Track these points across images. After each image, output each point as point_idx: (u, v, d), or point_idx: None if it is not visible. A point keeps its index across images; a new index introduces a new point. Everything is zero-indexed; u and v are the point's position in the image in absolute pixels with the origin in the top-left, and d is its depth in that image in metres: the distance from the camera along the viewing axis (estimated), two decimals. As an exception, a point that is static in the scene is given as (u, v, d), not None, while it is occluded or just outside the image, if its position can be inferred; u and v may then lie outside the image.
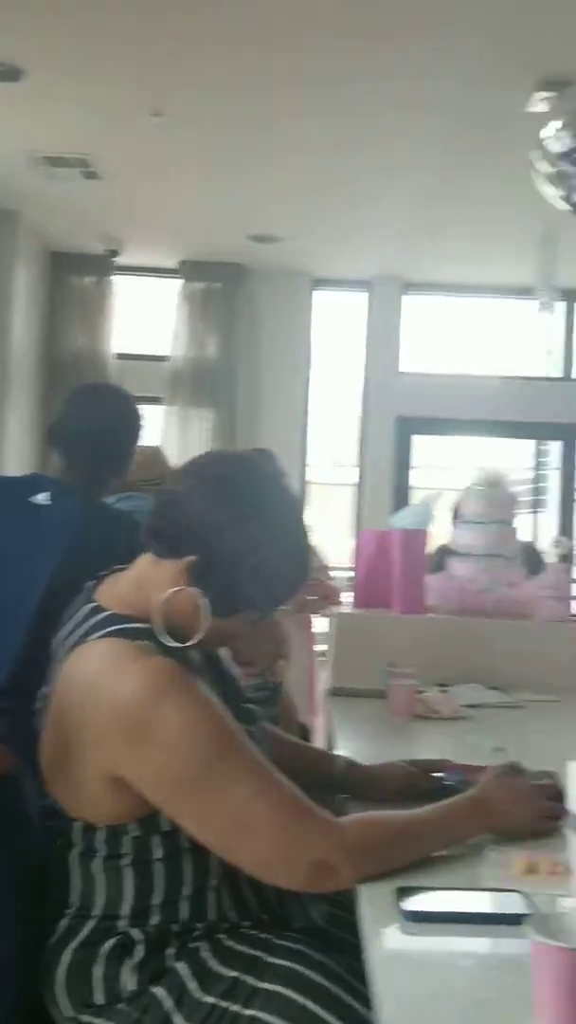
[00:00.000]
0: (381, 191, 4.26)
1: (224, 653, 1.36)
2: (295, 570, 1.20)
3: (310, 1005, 1.06)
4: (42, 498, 1.64)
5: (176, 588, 1.13)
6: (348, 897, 1.13)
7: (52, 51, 3.17)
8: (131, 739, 1.07)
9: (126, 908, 1.14)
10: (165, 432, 5.50)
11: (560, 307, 5.51)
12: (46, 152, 4.07)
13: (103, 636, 1.12)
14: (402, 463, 5.87)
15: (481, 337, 6.21)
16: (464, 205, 4.39)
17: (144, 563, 1.19)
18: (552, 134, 2.83)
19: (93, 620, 1.15)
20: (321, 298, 5.85)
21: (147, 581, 1.17)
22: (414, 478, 5.94)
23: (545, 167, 2.87)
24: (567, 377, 5.93)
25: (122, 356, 5.61)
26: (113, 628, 1.13)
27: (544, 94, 3.26)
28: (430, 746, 1.82)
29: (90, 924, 1.14)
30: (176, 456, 5.30)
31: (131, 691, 1.07)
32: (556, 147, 2.84)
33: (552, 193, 2.91)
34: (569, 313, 5.82)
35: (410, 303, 5.89)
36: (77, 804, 1.14)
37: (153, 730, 1.06)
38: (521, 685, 2.27)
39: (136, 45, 3.09)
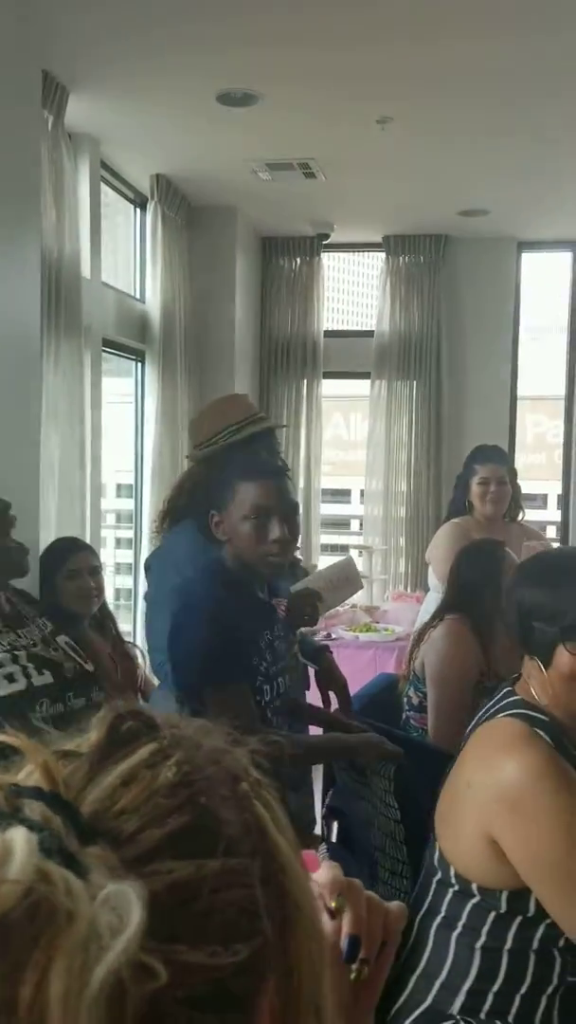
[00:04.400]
0: None
1: None
2: None
3: None
4: None
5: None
6: None
7: (284, 77, 3.51)
8: (509, 808, 1.26)
9: (467, 984, 1.32)
10: (373, 405, 5.79)
11: None
12: (270, 159, 4.18)
13: (506, 715, 1.36)
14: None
15: None
16: None
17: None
18: None
19: (504, 702, 1.39)
20: (528, 261, 5.89)
21: (531, 675, 1.40)
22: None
23: None
24: None
25: (330, 333, 5.92)
26: (516, 711, 1.36)
27: None
28: None
29: (432, 993, 1.34)
30: (385, 431, 5.47)
31: (517, 769, 1.26)
32: None
33: None
34: None
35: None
36: (457, 852, 1.35)
37: (530, 806, 1.25)
38: None
39: (364, 61, 3.37)
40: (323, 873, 0.69)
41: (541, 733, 1.31)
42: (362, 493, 6.00)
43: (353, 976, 0.67)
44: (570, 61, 3.30)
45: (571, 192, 4.80)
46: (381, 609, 4.88)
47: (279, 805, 0.48)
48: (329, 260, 6.03)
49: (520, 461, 5.99)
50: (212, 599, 1.78)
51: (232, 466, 1.96)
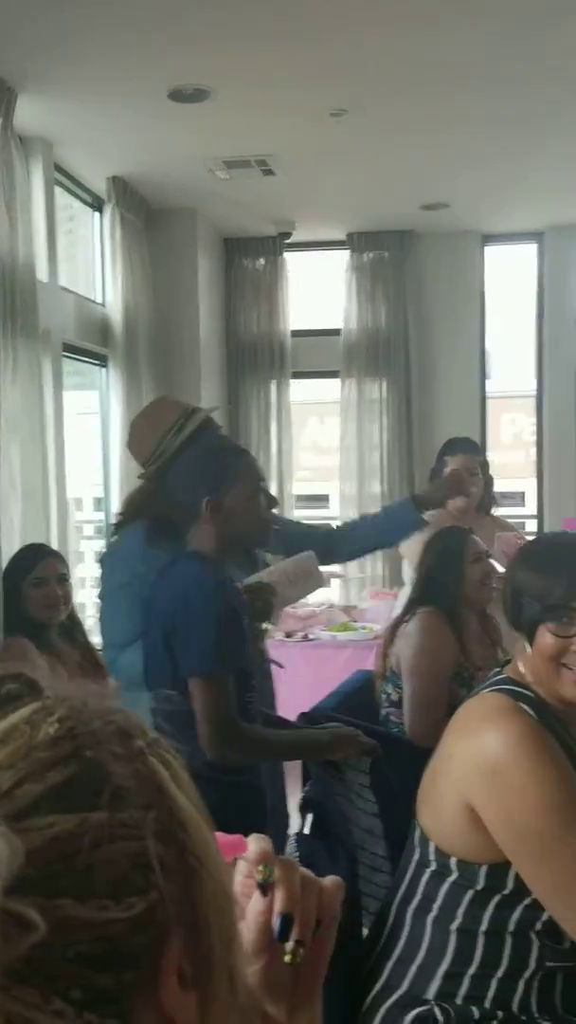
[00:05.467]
0: (555, 141, 4.28)
1: None
2: None
3: None
4: None
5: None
6: None
7: (236, 71, 3.48)
8: (489, 777, 1.27)
9: (443, 967, 1.32)
10: (344, 405, 5.78)
11: None
12: (227, 157, 4.18)
13: (490, 690, 1.40)
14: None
15: None
16: None
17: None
18: None
19: (491, 680, 1.44)
20: (491, 254, 5.93)
21: (520, 653, 1.43)
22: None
23: None
24: None
25: (297, 333, 5.92)
26: (501, 687, 1.39)
27: None
28: None
29: (408, 979, 1.34)
30: (356, 433, 5.46)
31: (498, 738, 1.28)
32: None
33: None
34: None
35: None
36: (437, 827, 1.36)
37: (510, 775, 1.26)
38: None
39: (315, 54, 3.35)
40: (251, 846, 0.67)
41: (524, 707, 1.33)
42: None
43: (288, 958, 0.64)
44: (525, 49, 3.32)
45: (532, 183, 4.84)
46: (359, 608, 4.87)
47: (180, 765, 0.48)
48: (293, 259, 6.04)
49: (497, 459, 6.02)
50: (211, 588, 1.82)
51: (218, 451, 2.06)
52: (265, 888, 0.65)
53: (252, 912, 0.66)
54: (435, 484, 3.16)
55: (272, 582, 2.12)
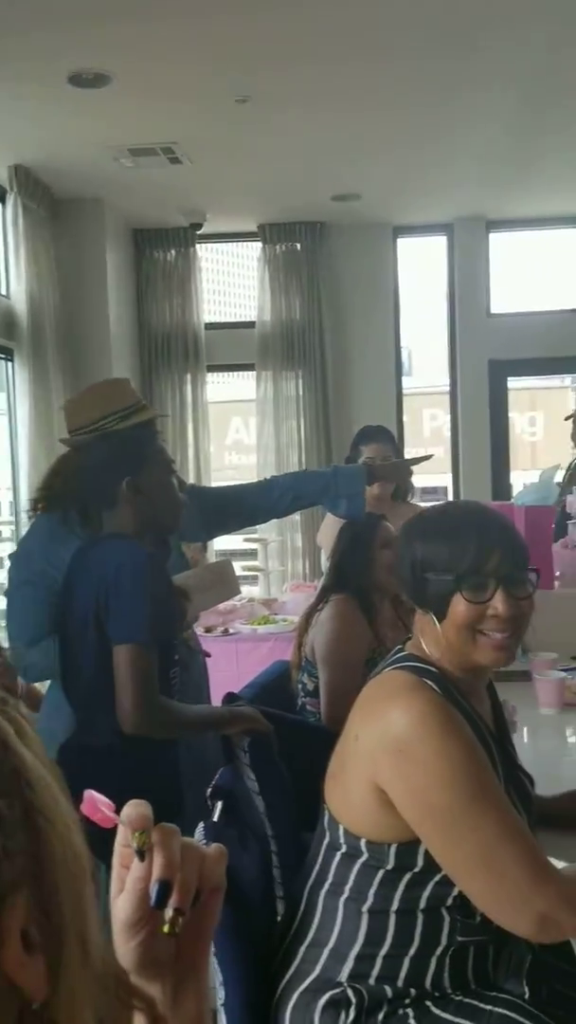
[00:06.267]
0: (462, 132, 4.36)
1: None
2: None
3: None
4: None
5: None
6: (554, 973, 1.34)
7: (137, 56, 3.44)
8: (395, 754, 1.27)
9: (355, 949, 1.33)
10: (260, 402, 5.78)
11: None
12: (131, 145, 4.13)
13: (393, 668, 1.39)
14: (498, 407, 5.93)
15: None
16: (554, 134, 4.38)
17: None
18: None
19: (393, 658, 1.43)
20: (404, 245, 6.00)
21: (424, 630, 1.42)
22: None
23: None
24: None
25: (211, 326, 5.89)
26: (403, 664, 1.38)
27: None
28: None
29: (320, 962, 1.35)
30: (274, 429, 5.46)
31: (403, 715, 1.28)
32: None
33: None
34: None
35: (497, 241, 5.96)
36: (346, 809, 1.36)
37: (417, 751, 1.26)
38: None
39: (218, 38, 3.33)
40: (127, 811, 0.64)
41: (429, 682, 1.32)
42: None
43: (166, 928, 0.62)
44: (431, 32, 3.35)
45: (440, 173, 4.91)
46: (279, 601, 4.88)
47: (29, 724, 0.47)
48: (206, 251, 6.01)
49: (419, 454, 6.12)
50: (143, 560, 1.86)
51: (132, 435, 2.12)
52: (143, 854, 0.63)
53: (130, 880, 0.64)
54: (391, 463, 3.23)
55: (187, 587, 2.11)
